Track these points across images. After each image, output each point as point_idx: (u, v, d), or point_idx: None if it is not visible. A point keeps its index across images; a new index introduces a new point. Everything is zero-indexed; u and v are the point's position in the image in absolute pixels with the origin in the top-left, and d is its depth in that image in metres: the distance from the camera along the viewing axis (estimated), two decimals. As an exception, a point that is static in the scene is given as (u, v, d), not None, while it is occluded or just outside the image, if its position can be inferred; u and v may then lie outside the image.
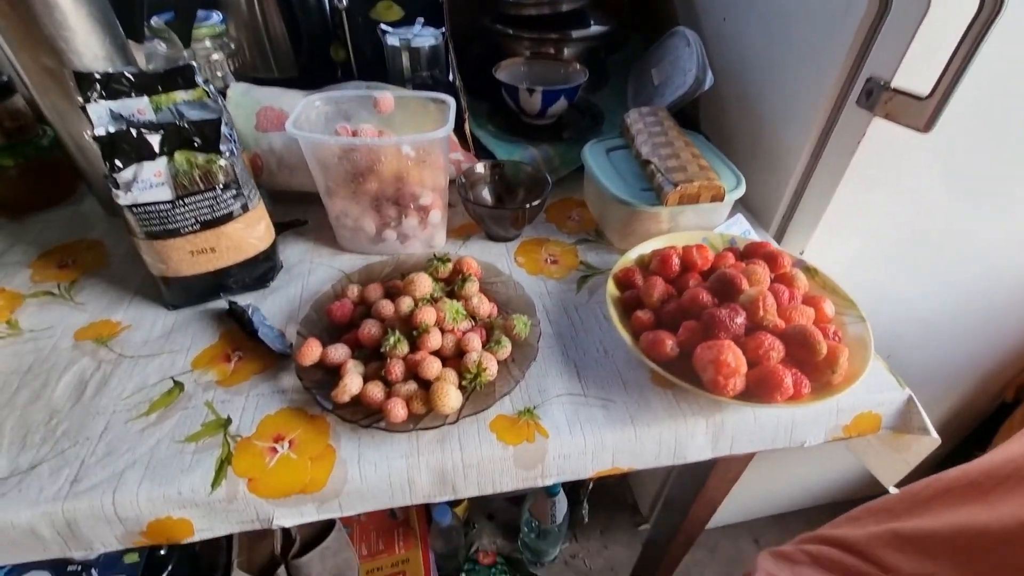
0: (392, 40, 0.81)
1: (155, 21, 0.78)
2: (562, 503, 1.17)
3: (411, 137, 0.58)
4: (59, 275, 0.64)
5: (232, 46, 0.85)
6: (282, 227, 0.70)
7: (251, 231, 0.58)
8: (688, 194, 0.60)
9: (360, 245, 0.67)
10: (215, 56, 0.84)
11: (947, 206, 0.72)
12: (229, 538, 1.17)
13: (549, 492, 1.13)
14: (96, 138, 0.48)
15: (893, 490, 0.58)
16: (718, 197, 0.62)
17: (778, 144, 0.73)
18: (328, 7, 0.90)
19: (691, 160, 0.64)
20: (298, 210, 0.73)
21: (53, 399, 0.50)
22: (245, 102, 0.72)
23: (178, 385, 0.52)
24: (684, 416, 0.50)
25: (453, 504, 1.25)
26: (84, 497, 0.43)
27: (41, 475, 0.44)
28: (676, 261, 0.56)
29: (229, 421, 0.48)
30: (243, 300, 0.60)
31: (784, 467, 1.27)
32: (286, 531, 1.25)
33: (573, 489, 1.34)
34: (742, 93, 0.80)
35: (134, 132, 0.49)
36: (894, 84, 0.56)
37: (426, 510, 1.19)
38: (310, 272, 0.65)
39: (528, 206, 0.65)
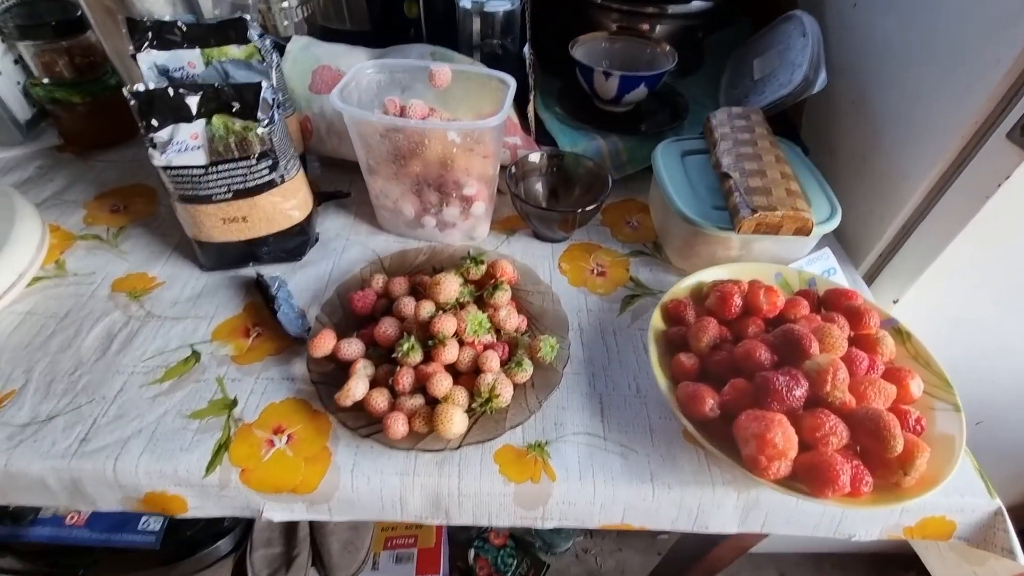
0: (464, 2, 0.74)
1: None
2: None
3: (458, 123, 0.53)
4: (110, 219, 0.65)
5: (304, -7, 0.81)
6: (324, 197, 0.68)
7: (286, 203, 0.56)
8: (767, 223, 0.52)
9: (398, 227, 0.64)
10: (285, 3, 0.81)
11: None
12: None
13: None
14: (133, 94, 0.46)
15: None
16: (803, 231, 0.53)
17: (893, 168, 0.62)
18: (405, -42, 0.84)
19: (779, 181, 0.54)
20: (346, 180, 0.70)
21: (82, 349, 0.51)
22: (303, 58, 0.68)
23: (195, 355, 0.51)
24: (713, 483, 0.44)
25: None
26: (89, 459, 0.43)
27: (56, 428, 0.45)
28: (737, 302, 0.49)
29: (235, 403, 0.48)
30: (274, 271, 0.59)
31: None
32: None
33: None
34: (860, 98, 0.67)
35: (171, 92, 0.47)
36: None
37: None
38: (344, 249, 0.63)
39: (580, 210, 0.59)
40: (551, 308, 0.55)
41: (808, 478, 0.38)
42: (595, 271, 0.62)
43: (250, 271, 0.59)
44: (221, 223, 0.54)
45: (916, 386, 0.44)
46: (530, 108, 0.71)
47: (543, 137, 0.73)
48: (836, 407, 0.41)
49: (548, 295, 0.56)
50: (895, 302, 0.63)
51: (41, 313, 0.54)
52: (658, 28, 0.81)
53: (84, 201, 0.67)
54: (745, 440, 0.40)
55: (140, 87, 0.47)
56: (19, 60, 0.71)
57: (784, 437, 0.38)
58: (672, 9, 0.79)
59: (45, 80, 0.69)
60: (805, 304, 0.49)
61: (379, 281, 0.54)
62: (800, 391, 0.40)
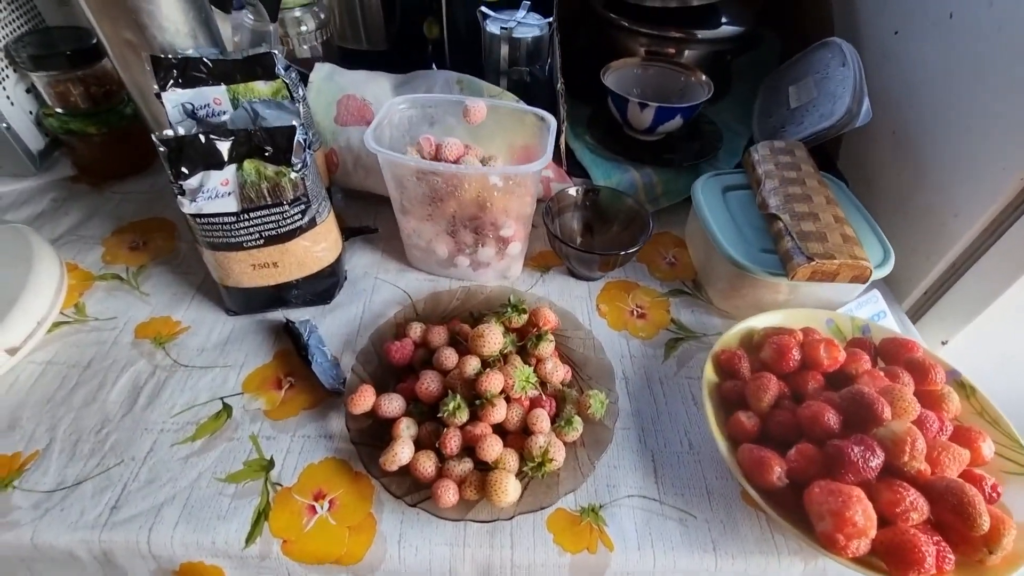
0: (492, 27, 0.72)
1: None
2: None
3: (500, 168, 0.51)
4: (129, 258, 0.62)
5: (323, 16, 0.79)
6: (351, 232, 0.65)
7: (316, 246, 0.53)
8: (823, 271, 0.50)
9: (430, 266, 0.62)
10: (304, 27, 0.78)
11: None
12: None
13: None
14: (162, 141, 0.44)
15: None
16: (860, 279, 0.51)
17: (940, 204, 0.60)
18: (427, -23, 0.81)
19: (833, 225, 0.52)
20: (372, 213, 0.68)
21: (107, 404, 0.49)
22: (327, 88, 0.66)
23: (227, 409, 0.49)
24: (778, 552, 0.42)
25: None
26: (121, 529, 0.41)
27: (84, 495, 0.43)
28: (795, 356, 0.47)
29: (272, 464, 0.45)
30: (304, 315, 0.56)
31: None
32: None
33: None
34: (902, 130, 0.66)
35: (203, 138, 0.45)
36: None
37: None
38: (374, 289, 0.60)
39: (622, 253, 0.57)
40: (594, 356, 0.53)
41: (889, 558, 0.36)
42: (635, 312, 0.59)
43: (278, 315, 0.57)
44: (251, 269, 0.51)
45: (987, 448, 0.43)
46: (561, 139, 0.69)
47: (574, 168, 0.70)
48: (911, 476, 0.39)
49: (589, 340, 0.54)
50: (944, 343, 0.61)
51: (63, 363, 0.52)
52: (687, 53, 0.79)
53: (102, 237, 0.64)
54: (820, 516, 0.37)
55: (169, 134, 0.44)
56: (31, 89, 0.68)
57: (864, 515, 0.36)
58: (702, 34, 0.77)
59: (59, 110, 0.66)
60: (866, 359, 0.47)
61: (416, 330, 0.52)
62: (876, 461, 0.38)
